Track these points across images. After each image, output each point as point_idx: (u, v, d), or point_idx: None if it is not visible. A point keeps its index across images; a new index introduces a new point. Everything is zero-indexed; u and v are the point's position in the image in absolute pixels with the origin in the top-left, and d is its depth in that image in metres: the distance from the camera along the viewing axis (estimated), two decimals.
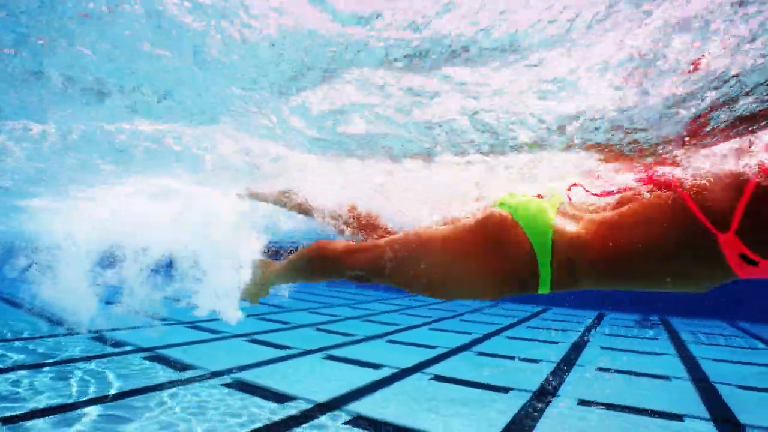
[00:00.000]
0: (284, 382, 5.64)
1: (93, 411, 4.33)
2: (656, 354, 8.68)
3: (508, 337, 9.92)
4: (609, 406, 5.17)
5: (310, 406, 4.81)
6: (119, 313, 10.10)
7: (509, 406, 5.04)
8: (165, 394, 4.92)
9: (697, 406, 5.40)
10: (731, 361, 8.18)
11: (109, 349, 6.94)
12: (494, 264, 1.95)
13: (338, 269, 2.34)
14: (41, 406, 4.39)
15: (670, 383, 6.49)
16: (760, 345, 10.43)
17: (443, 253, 2.05)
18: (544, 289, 1.93)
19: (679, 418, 4.89)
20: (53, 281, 6.38)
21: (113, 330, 8.44)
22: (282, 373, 6.10)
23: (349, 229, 2.97)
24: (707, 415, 5.03)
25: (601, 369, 7.12)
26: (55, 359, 6.16)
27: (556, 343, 9.30)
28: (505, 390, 5.68)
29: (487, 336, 9.86)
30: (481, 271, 2.00)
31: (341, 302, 15.70)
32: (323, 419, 4.43)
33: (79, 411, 4.31)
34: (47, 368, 5.70)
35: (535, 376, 6.42)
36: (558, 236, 1.85)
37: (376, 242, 2.26)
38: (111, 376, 5.48)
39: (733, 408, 5.34)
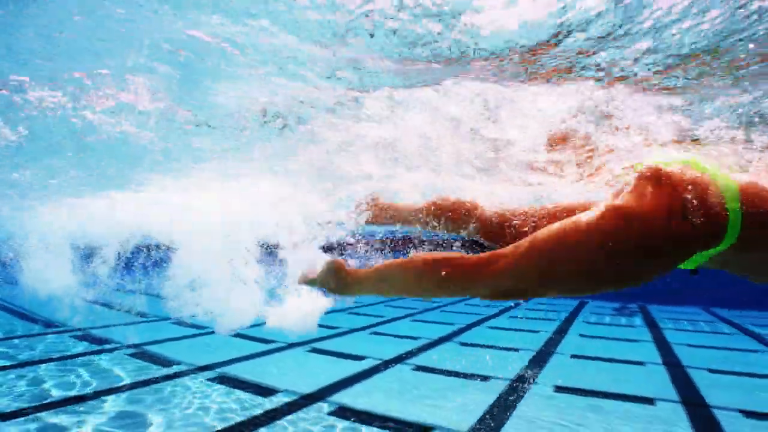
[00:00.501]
0: (269, 375, 5.72)
1: (80, 409, 4.37)
2: (633, 341, 8.93)
3: (490, 327, 10.11)
4: (584, 392, 5.36)
5: (294, 398, 4.90)
6: (104, 311, 10.08)
7: (488, 394, 5.20)
8: (151, 390, 4.97)
9: (668, 389, 5.62)
10: (704, 346, 8.47)
11: (94, 347, 6.95)
12: (678, 233, 1.63)
13: (469, 284, 1.85)
14: (30, 405, 4.42)
15: (645, 368, 6.73)
16: (733, 330, 10.79)
17: (623, 243, 1.64)
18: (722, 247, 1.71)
19: (650, 401, 5.10)
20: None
21: (98, 327, 8.42)
22: (267, 366, 6.18)
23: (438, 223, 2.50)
24: (677, 398, 5.25)
25: (578, 356, 7.32)
26: (48, 357, 6.17)
27: (537, 331, 9.52)
28: (485, 378, 5.83)
29: (470, 326, 10.04)
30: (664, 249, 1.67)
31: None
32: (308, 410, 4.53)
33: (64, 408, 4.35)
34: (31, 367, 5.71)
35: (514, 365, 6.59)
36: (745, 192, 1.64)
37: (512, 251, 1.80)
38: (97, 374, 5.51)
39: (702, 391, 5.57)
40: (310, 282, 2.54)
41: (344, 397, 4.96)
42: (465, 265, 1.82)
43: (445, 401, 4.95)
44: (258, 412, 4.46)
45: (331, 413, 4.47)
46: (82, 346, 6.96)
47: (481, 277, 1.79)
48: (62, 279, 6.31)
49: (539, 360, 6.97)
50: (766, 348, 8.60)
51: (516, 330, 9.76)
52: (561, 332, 9.59)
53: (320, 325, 8.29)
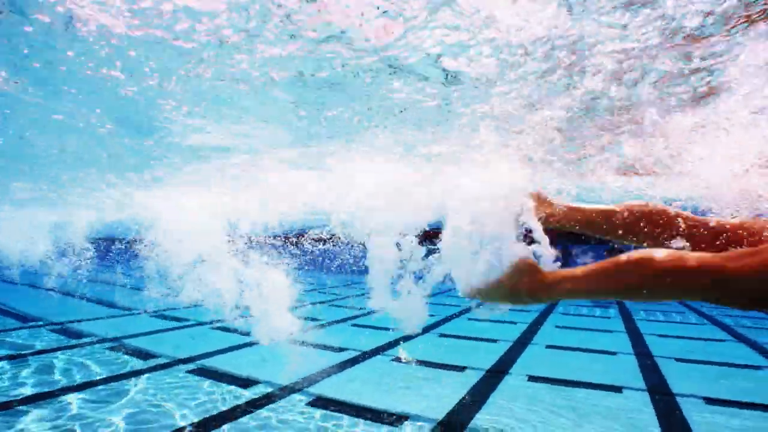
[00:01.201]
0: (249, 367, 5.79)
1: (57, 402, 4.39)
2: (607, 331, 9.18)
3: (470, 319, 10.29)
4: (556, 381, 5.53)
5: (273, 389, 4.98)
6: (82, 304, 10.02)
7: (464, 384, 5.34)
8: (131, 383, 5.00)
9: (637, 379, 5.83)
10: (674, 336, 8.75)
11: (73, 341, 6.93)
12: None
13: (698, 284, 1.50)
14: (4, 401, 4.43)
15: (616, 358, 6.95)
16: (702, 321, 11.14)
17: None
18: None
19: (618, 390, 5.29)
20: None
21: (76, 321, 8.38)
22: (246, 358, 6.25)
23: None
24: (644, 387, 5.46)
25: (553, 347, 7.52)
26: (18, 352, 6.14)
27: (515, 323, 9.72)
28: (462, 368, 5.98)
29: (449, 318, 10.21)
30: None
31: (307, 287, 15.84)
32: (286, 401, 4.62)
33: (40, 403, 4.37)
34: (8, 361, 5.69)
35: (490, 355, 6.76)
36: None
37: None
38: (75, 368, 5.52)
39: (668, 379, 5.79)
40: (485, 292, 2.10)
41: (323, 388, 5.06)
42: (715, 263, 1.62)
43: (421, 391, 5.08)
44: (237, 403, 4.53)
45: (309, 403, 4.57)
46: (60, 340, 6.93)
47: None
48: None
49: (515, 350, 7.14)
50: (731, 337, 8.93)
51: (494, 321, 9.95)
52: (538, 323, 9.81)
53: (301, 318, 8.30)
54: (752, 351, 7.80)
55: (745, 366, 6.63)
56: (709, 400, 4.99)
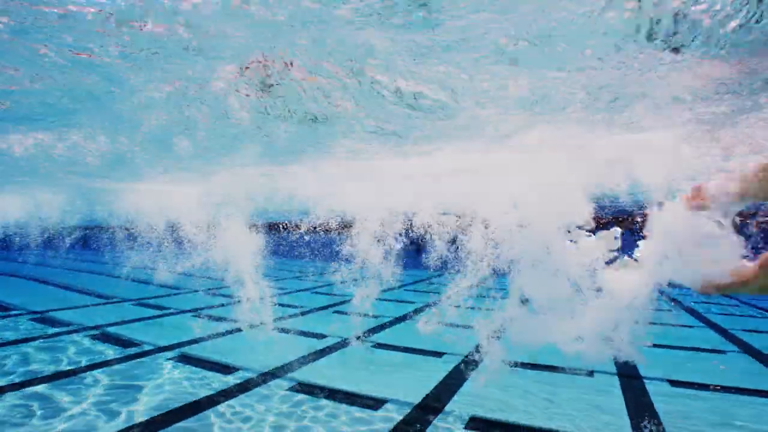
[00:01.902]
0: (230, 354, 5.87)
1: (39, 391, 4.42)
2: None
3: (449, 306, 10.47)
4: (531, 366, 5.73)
5: (254, 375, 5.08)
6: (63, 294, 9.94)
7: (442, 369, 5.50)
8: (112, 371, 5.04)
9: (607, 363, 6.05)
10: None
11: (54, 330, 6.91)
12: None
13: None
14: None
15: None
16: (674, 307, 11.52)
17: None
18: None
19: (590, 374, 5.51)
20: None
21: (56, 310, 8.34)
22: (228, 345, 6.32)
23: None
24: (614, 371, 5.68)
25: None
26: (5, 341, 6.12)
27: (493, 310, 9.91)
28: (440, 354, 6.15)
29: (429, 305, 10.39)
30: None
31: (290, 275, 15.90)
32: (267, 387, 4.72)
33: (22, 391, 4.40)
34: None
35: (468, 341, 6.94)
36: None
37: None
38: (56, 356, 5.53)
39: (637, 364, 6.03)
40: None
41: (304, 374, 5.17)
42: None
43: (400, 376, 5.22)
44: (218, 389, 4.61)
45: (290, 389, 4.67)
46: (42, 329, 6.91)
47: None
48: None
49: (492, 336, 7.32)
50: (700, 323, 9.28)
51: (473, 308, 10.15)
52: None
53: (284, 305, 8.39)
54: (719, 335, 8.13)
55: (711, 350, 6.93)
56: (673, 382, 5.23)
